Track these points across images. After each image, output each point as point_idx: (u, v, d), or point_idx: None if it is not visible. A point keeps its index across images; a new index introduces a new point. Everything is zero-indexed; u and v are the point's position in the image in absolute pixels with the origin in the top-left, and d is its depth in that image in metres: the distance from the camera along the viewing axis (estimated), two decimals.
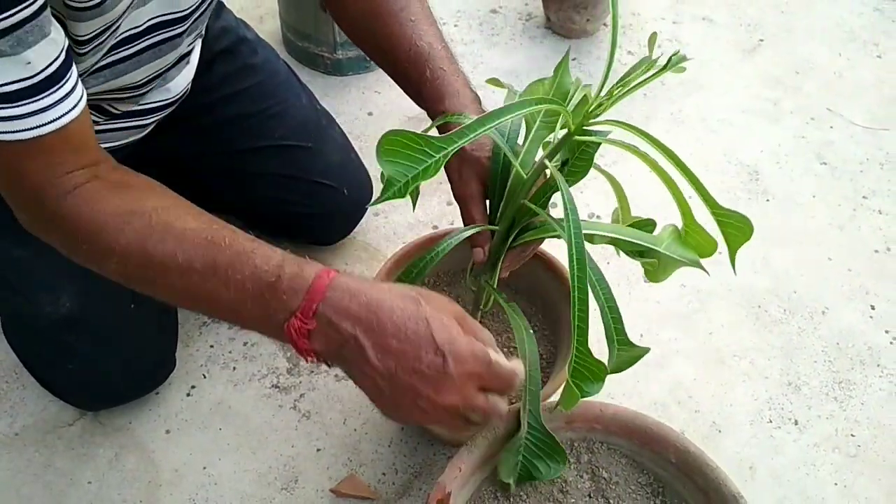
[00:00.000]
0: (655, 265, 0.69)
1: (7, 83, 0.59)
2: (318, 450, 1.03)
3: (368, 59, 1.50)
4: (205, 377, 1.10)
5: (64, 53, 0.63)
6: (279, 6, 1.53)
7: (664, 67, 0.60)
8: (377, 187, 1.27)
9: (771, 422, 1.07)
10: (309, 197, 1.11)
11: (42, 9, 0.59)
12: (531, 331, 0.78)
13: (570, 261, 0.64)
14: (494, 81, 0.83)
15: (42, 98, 0.62)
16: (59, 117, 0.63)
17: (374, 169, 1.30)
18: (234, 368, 1.10)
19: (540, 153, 0.75)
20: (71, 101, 0.64)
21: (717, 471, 0.74)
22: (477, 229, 0.77)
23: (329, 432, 1.04)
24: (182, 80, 0.96)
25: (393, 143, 0.59)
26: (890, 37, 1.64)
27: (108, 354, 0.97)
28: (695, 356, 1.14)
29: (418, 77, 0.80)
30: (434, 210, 1.31)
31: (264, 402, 1.07)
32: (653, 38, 0.64)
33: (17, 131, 0.61)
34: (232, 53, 1.08)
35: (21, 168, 0.64)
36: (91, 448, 1.03)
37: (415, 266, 0.79)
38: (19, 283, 0.93)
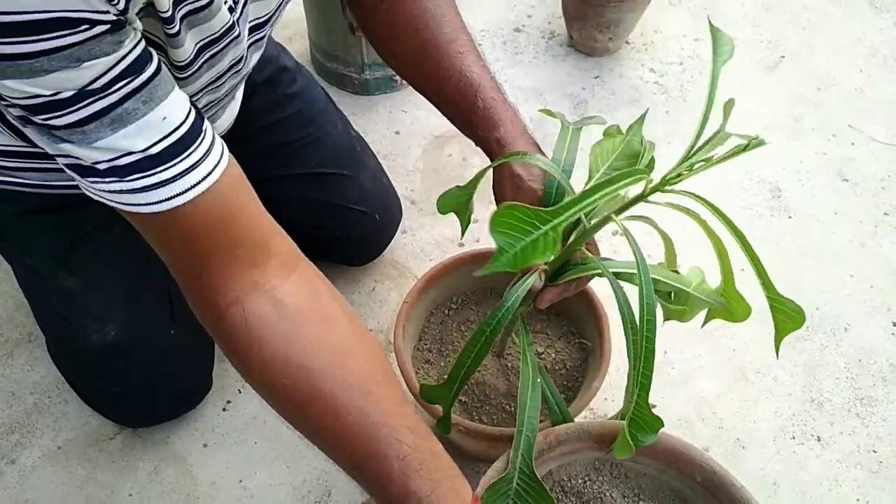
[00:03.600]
0: (683, 311, 0.71)
1: (151, 144, 0.58)
2: None
3: (395, 79, 1.53)
4: (240, 392, 1.13)
5: (193, 106, 0.63)
6: (308, 27, 1.56)
7: (744, 147, 0.62)
8: (406, 208, 1.30)
9: (794, 438, 1.09)
10: (343, 222, 1.14)
11: (160, 66, 0.59)
12: (539, 380, 0.78)
13: (641, 319, 0.66)
14: (547, 112, 0.85)
15: (187, 156, 0.60)
16: (209, 173, 0.61)
17: (402, 189, 1.33)
18: None
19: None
20: (214, 155, 0.62)
21: (741, 490, 0.76)
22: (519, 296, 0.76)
23: None
24: (228, 116, 0.99)
25: (507, 216, 0.59)
26: None
27: (150, 378, 1.01)
28: (718, 373, 1.16)
29: (468, 107, 0.81)
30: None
31: None
32: (729, 106, 0.65)
33: (175, 196, 0.60)
34: (272, 84, 1.11)
35: (185, 249, 0.63)
36: (131, 461, 1.06)
37: (458, 373, 0.78)
38: (68, 312, 0.96)
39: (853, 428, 1.10)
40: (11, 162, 0.86)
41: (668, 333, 1.19)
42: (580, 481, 0.84)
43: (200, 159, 0.61)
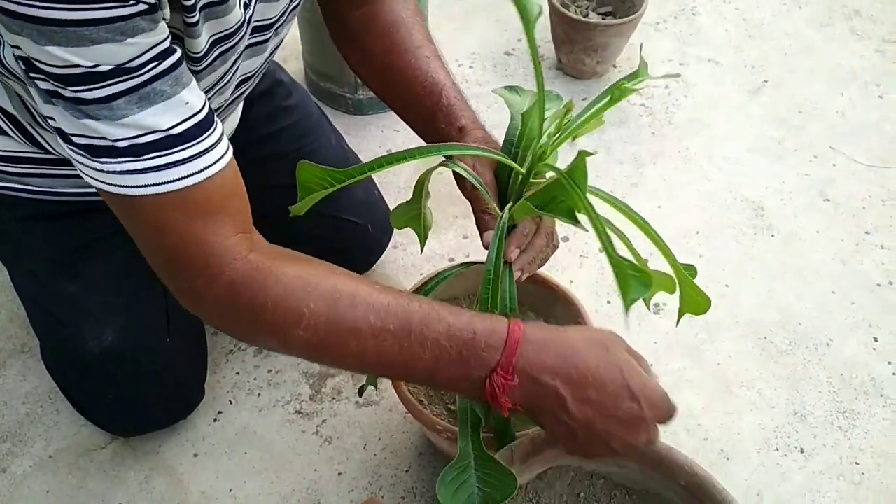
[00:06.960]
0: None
1: (175, 124, 0.61)
2: (340, 474, 1.07)
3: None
4: (231, 403, 1.14)
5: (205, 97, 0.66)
6: (303, 48, 1.59)
7: (605, 105, 0.67)
8: None
9: (777, 450, 1.11)
10: (335, 232, 1.16)
11: (182, 56, 0.63)
12: None
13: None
14: (502, 92, 0.88)
15: (203, 139, 0.63)
16: (219, 158, 0.65)
17: (394, 206, 1.35)
18: (259, 395, 1.15)
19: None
20: (224, 143, 0.66)
21: (724, 492, 0.78)
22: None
23: (350, 457, 1.08)
24: (232, 121, 1.03)
25: (307, 173, 0.72)
26: (891, 77, 1.69)
27: (144, 386, 1.02)
28: (703, 386, 1.18)
29: (433, 104, 0.85)
30: (451, 243, 1.36)
31: (288, 428, 1.11)
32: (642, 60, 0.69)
33: (188, 175, 0.62)
34: (269, 95, 1.14)
35: (185, 230, 0.64)
36: (122, 471, 1.07)
37: (419, 292, 0.89)
38: (66, 317, 0.97)
39: (836, 440, 1.12)
40: (17, 168, 0.88)
41: (653, 346, 1.21)
42: (565, 488, 0.85)
43: (213, 144, 0.65)
